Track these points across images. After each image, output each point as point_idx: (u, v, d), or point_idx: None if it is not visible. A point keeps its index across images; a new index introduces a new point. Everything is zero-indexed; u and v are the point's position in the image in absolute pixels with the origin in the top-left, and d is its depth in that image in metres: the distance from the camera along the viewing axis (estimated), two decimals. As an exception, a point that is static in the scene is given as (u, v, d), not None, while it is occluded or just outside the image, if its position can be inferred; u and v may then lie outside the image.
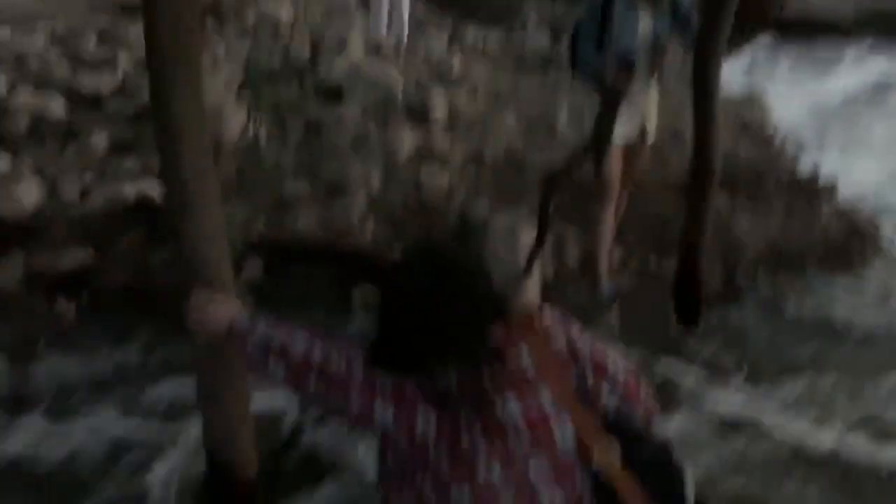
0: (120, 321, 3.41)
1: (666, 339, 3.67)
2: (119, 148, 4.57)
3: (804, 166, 5.58)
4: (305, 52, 6.53)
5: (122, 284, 3.59)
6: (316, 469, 2.48)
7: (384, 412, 1.21)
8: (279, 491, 2.36)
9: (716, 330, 3.76)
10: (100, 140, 4.60)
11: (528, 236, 3.67)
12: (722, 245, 4.27)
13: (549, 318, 1.31)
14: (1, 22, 5.97)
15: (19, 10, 6.27)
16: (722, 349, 3.62)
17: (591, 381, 1.26)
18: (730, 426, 3.05)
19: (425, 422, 1.20)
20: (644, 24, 3.58)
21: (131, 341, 3.31)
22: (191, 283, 1.85)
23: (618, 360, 1.34)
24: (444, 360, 1.20)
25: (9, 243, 3.70)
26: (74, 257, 3.70)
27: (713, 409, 3.17)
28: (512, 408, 1.20)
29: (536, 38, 9.21)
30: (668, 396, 3.15)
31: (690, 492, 1.24)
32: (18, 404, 2.88)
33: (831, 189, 5.20)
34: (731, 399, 3.25)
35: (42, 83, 5.14)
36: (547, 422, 1.21)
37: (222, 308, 1.59)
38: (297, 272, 3.87)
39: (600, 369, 1.29)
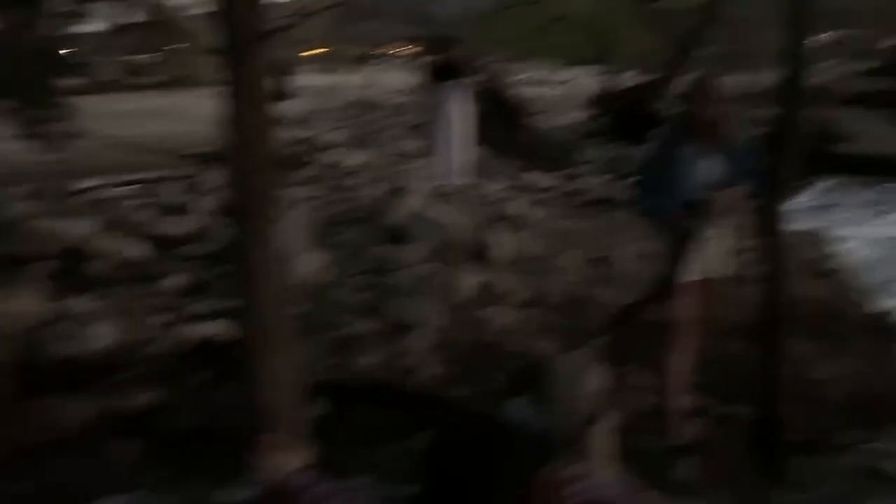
0: (183, 464, 3.39)
1: (745, 494, 3.44)
2: (193, 290, 4.74)
3: (875, 306, 5.39)
4: (373, 196, 6.81)
5: (188, 426, 3.60)
6: None
7: None
8: None
9: (798, 484, 3.51)
10: (175, 282, 4.79)
11: (594, 378, 3.59)
12: (801, 392, 4.08)
13: (573, 486, 1.26)
14: (94, 173, 6.44)
15: (109, 163, 6.77)
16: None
17: None
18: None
19: None
20: (710, 168, 3.62)
21: (193, 485, 3.27)
22: (261, 427, 1.85)
23: None
24: None
25: (83, 382, 3.79)
26: (142, 397, 3.76)
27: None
28: None
29: (594, 181, 9.42)
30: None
31: None
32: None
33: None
34: None
35: (126, 228, 5.46)
36: None
37: (287, 459, 1.62)
38: (360, 412, 3.83)
39: None
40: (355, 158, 9.63)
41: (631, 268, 5.65)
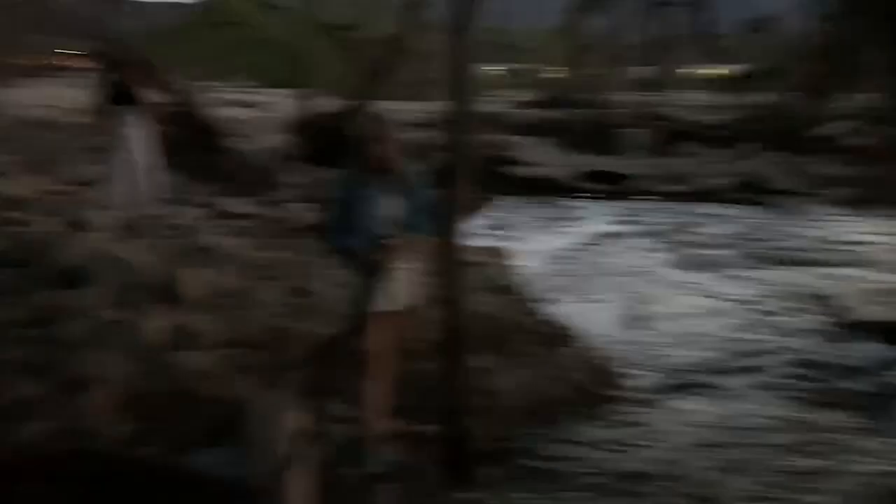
0: None
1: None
2: None
3: (543, 316, 6.09)
4: (44, 231, 6.09)
5: None
6: None
7: None
8: None
9: (486, 488, 3.82)
10: None
11: (292, 418, 3.55)
12: (483, 403, 4.44)
13: None
14: None
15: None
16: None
17: None
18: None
19: None
20: (389, 202, 3.81)
21: None
22: None
23: None
24: None
25: None
26: None
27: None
28: None
29: (293, 207, 9.42)
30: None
31: None
32: None
33: (567, 336, 5.68)
34: None
35: None
36: None
37: None
38: (29, 494, 3.36)
39: None
40: (22, 187, 8.53)
41: (331, 298, 5.71)
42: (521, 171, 13.71)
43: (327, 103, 15.39)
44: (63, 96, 18.79)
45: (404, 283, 3.98)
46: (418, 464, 3.98)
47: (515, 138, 15.07)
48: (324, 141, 12.39)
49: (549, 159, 14.71)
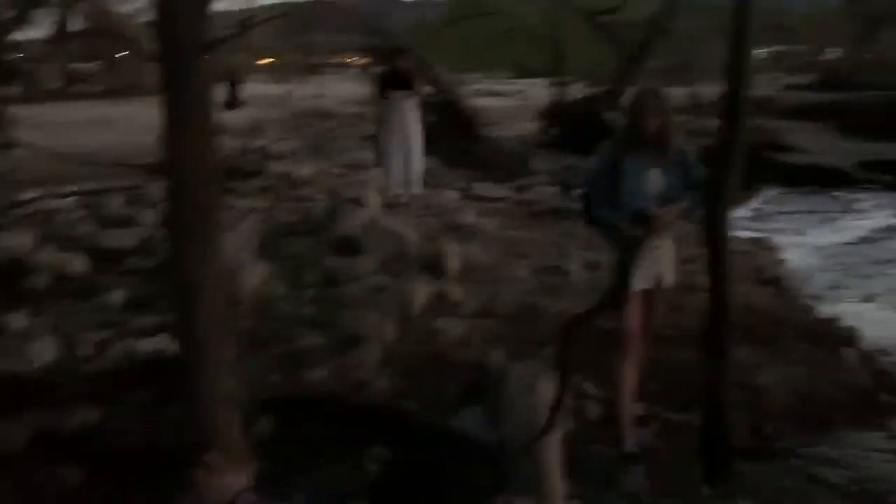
0: (125, 484, 3.27)
1: (695, 499, 3.47)
2: (136, 305, 4.61)
3: (820, 312, 5.53)
4: (322, 207, 6.75)
5: (130, 444, 3.49)
6: None
7: None
8: None
9: (745, 489, 3.56)
10: (118, 296, 4.66)
11: (547, 389, 3.58)
12: (747, 398, 4.15)
13: None
14: (33, 185, 6.24)
15: (50, 173, 6.57)
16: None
17: None
18: None
19: None
20: (655, 178, 3.67)
21: (136, 505, 3.16)
22: (201, 445, 1.80)
23: None
24: None
25: (19, 401, 3.65)
26: (82, 416, 3.63)
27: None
28: None
29: (545, 191, 9.51)
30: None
31: None
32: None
33: (851, 334, 5.12)
34: None
35: (66, 241, 5.29)
36: None
37: (230, 479, 1.57)
38: (310, 428, 3.76)
39: None
40: (306, 168, 9.54)
41: (582, 277, 5.69)
42: (792, 158, 12.53)
43: (582, 90, 15.28)
44: (340, 89, 20.69)
45: (664, 263, 3.83)
46: (671, 452, 3.82)
47: (787, 123, 13.80)
48: (576, 127, 12.37)
49: (823, 146, 13.30)
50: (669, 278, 3.87)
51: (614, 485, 3.52)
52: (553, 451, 3.10)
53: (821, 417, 4.19)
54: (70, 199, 6.14)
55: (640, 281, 3.69)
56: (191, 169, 1.92)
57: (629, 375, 3.81)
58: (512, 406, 3.53)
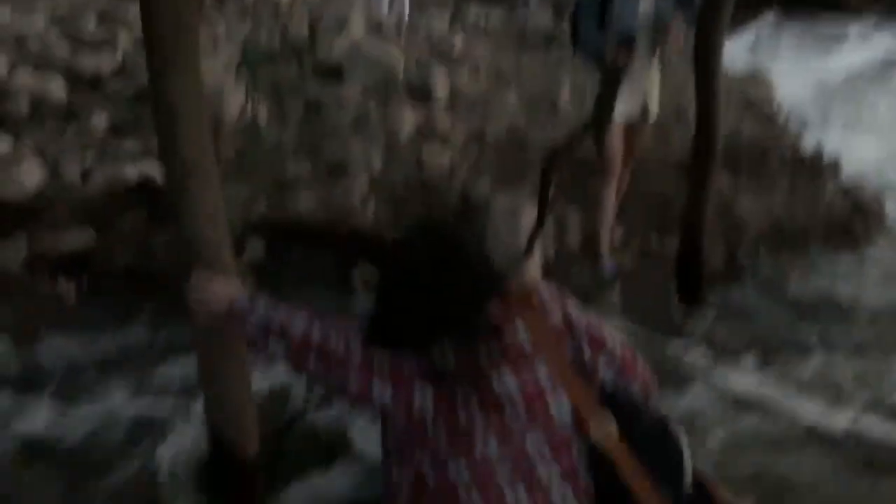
0: (122, 302, 3.41)
1: (669, 318, 3.67)
2: (119, 128, 4.55)
3: (808, 144, 5.55)
4: (305, 32, 6.49)
5: (124, 265, 3.60)
6: (319, 449, 2.49)
7: (382, 391, 1.22)
8: (281, 470, 2.38)
9: (719, 309, 3.75)
10: (100, 121, 4.59)
11: (529, 215, 3.65)
12: (724, 223, 4.26)
13: (546, 293, 1.31)
14: (1, 2, 5.93)
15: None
16: (726, 328, 3.60)
17: (587, 354, 1.26)
18: (742, 404, 3.00)
19: (422, 399, 1.21)
20: (645, 2, 3.55)
21: (134, 322, 3.31)
22: (191, 263, 1.86)
23: (614, 334, 1.34)
24: (441, 338, 1.20)
25: (11, 225, 3.70)
26: (76, 238, 3.71)
27: (724, 388, 3.10)
28: (508, 383, 1.20)
29: (538, 16, 9.14)
30: (676, 375, 3.13)
31: (688, 463, 1.24)
32: (28, 386, 2.88)
33: (835, 166, 5.18)
34: (741, 378, 3.19)
35: (42, 64, 5.12)
36: (543, 396, 1.21)
37: (222, 289, 1.61)
38: (298, 253, 3.87)
39: (597, 343, 1.29)
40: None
41: (571, 106, 5.62)
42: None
43: None
44: None
45: (649, 93, 3.79)
46: (648, 276, 3.99)
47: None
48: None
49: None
50: (654, 109, 3.84)
51: (592, 304, 3.69)
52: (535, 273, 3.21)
53: (795, 245, 4.34)
54: (41, 19, 5.87)
55: (622, 112, 3.67)
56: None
57: (609, 203, 3.88)
58: (496, 233, 3.61)
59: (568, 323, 1.28)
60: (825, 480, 2.58)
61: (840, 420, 2.93)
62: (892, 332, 3.59)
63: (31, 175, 3.99)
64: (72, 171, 4.11)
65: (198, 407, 2.49)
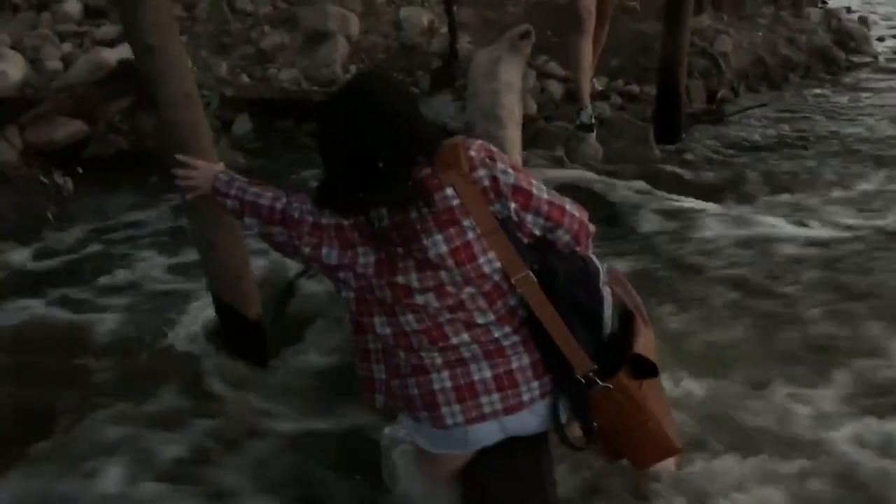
0: (111, 186, 3.50)
1: (648, 161, 3.74)
2: (93, 13, 4.50)
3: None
4: None
5: (115, 150, 3.69)
6: (314, 312, 2.64)
7: (329, 251, 1.36)
8: (287, 327, 2.54)
9: (694, 148, 3.83)
10: (73, 6, 4.53)
11: (506, 73, 3.66)
12: (704, 63, 4.26)
13: (477, 153, 1.33)
14: None
15: None
16: (706, 168, 3.67)
17: (512, 211, 1.33)
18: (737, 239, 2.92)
19: (365, 262, 1.33)
20: None
21: (135, 205, 3.42)
22: (173, 146, 1.95)
23: (541, 188, 1.36)
24: (375, 200, 1.31)
25: (2, 119, 3.75)
26: (67, 129, 3.77)
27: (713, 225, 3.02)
28: (439, 243, 1.29)
29: None
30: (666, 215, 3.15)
31: (607, 302, 1.35)
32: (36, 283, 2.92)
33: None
34: (727, 214, 3.14)
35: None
36: (473, 255, 1.30)
37: (203, 171, 1.77)
38: (283, 125, 3.94)
39: (522, 199, 1.33)
40: None
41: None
42: None
43: None
44: None
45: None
46: (628, 122, 4.03)
47: None
48: None
49: None
50: None
51: (573, 155, 3.77)
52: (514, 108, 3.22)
53: (774, 79, 4.36)
54: None
55: None
56: None
57: (586, 52, 3.88)
58: (475, 91, 3.65)
59: (494, 183, 1.31)
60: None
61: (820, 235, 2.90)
62: (867, 158, 3.64)
63: (13, 68, 3.99)
64: (51, 61, 4.12)
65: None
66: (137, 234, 3.23)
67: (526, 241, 1.37)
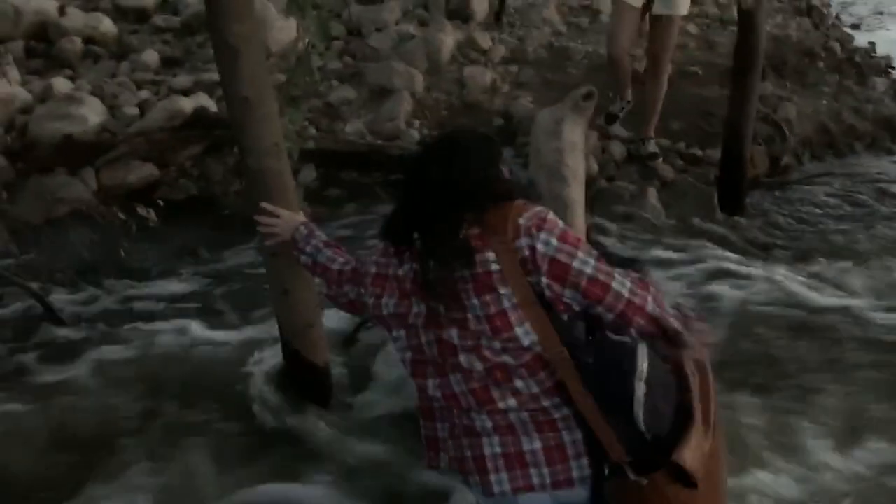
0: (189, 229, 3.61)
1: (711, 226, 3.71)
2: (169, 63, 4.69)
3: (856, 43, 5.41)
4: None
5: (186, 195, 3.80)
6: (382, 355, 2.66)
7: (389, 300, 1.38)
8: (351, 372, 2.57)
9: (756, 213, 3.79)
10: (150, 57, 4.73)
11: (570, 132, 3.69)
12: (768, 129, 4.25)
13: (525, 221, 1.30)
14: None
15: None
16: (769, 233, 3.64)
17: (545, 287, 1.28)
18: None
19: (417, 311, 1.35)
20: None
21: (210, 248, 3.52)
22: (257, 193, 2.01)
23: (586, 262, 1.30)
24: (424, 247, 1.32)
25: (79, 161, 3.91)
26: (139, 172, 3.90)
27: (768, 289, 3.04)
28: (476, 307, 1.28)
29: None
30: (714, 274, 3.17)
31: (640, 391, 1.25)
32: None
33: (884, 64, 5.06)
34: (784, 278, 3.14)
35: (88, 3, 5.25)
36: (508, 321, 1.28)
37: (284, 221, 1.83)
38: (347, 177, 4.02)
39: (559, 274, 1.28)
40: None
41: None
42: None
43: None
44: None
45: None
46: (690, 184, 4.02)
47: None
48: None
49: None
50: (683, 5, 3.79)
51: (634, 217, 3.76)
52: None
53: (839, 147, 4.32)
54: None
55: (662, 6, 3.67)
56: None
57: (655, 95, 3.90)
58: (538, 149, 3.68)
59: (532, 253, 1.28)
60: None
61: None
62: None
63: (92, 113, 4.16)
64: (129, 107, 4.29)
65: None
66: (208, 273, 3.31)
67: (566, 316, 1.32)
